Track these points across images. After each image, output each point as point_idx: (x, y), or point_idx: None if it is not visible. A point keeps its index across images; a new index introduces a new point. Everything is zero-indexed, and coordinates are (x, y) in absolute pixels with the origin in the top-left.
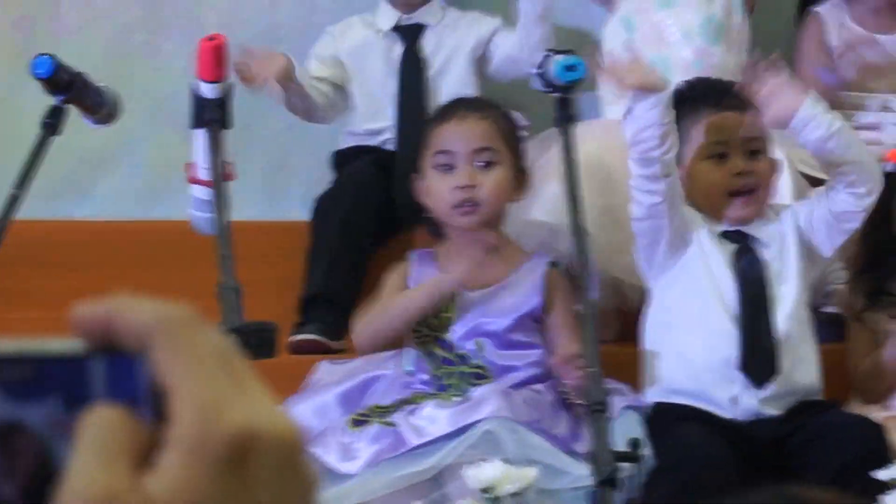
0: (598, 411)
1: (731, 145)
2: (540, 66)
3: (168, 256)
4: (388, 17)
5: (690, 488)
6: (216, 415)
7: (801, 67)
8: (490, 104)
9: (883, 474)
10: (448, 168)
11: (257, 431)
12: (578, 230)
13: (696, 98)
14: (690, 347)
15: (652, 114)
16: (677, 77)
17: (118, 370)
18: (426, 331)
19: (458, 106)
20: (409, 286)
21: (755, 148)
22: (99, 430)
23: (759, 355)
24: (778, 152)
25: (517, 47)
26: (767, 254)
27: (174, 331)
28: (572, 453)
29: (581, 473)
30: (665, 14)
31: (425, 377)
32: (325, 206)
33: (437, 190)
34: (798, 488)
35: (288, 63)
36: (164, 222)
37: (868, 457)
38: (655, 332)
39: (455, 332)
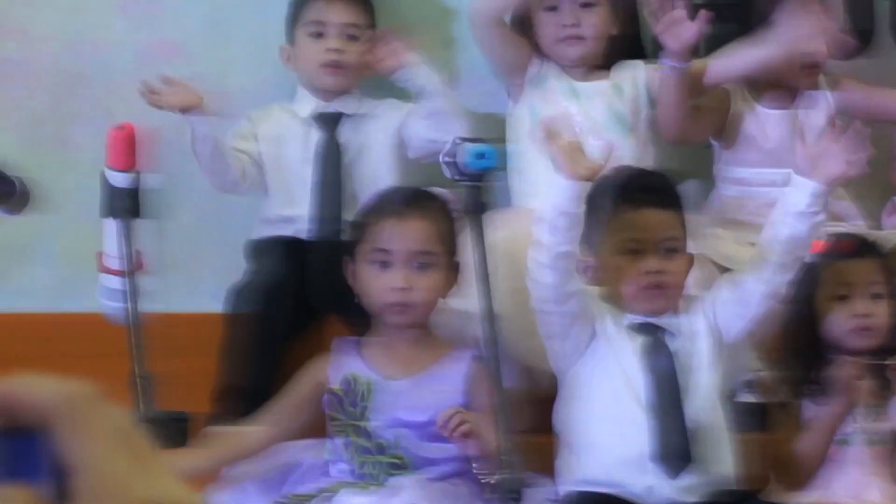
0: (512, 500)
1: (646, 243)
2: (450, 154)
3: (82, 348)
4: (307, 103)
5: None
6: (119, 493)
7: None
8: (429, 200)
9: None
10: (384, 265)
11: None
12: (490, 317)
13: (616, 190)
14: (604, 438)
15: (574, 202)
16: None
17: (21, 448)
18: (345, 419)
19: (398, 202)
20: (329, 375)
21: (671, 246)
22: None
23: (672, 446)
24: (693, 245)
25: (430, 127)
26: (677, 344)
27: (76, 408)
28: None
29: None
30: (571, 105)
31: (344, 466)
32: (238, 299)
33: (372, 285)
34: None
35: (203, 100)
36: (77, 314)
37: None
38: (568, 422)
39: (373, 421)
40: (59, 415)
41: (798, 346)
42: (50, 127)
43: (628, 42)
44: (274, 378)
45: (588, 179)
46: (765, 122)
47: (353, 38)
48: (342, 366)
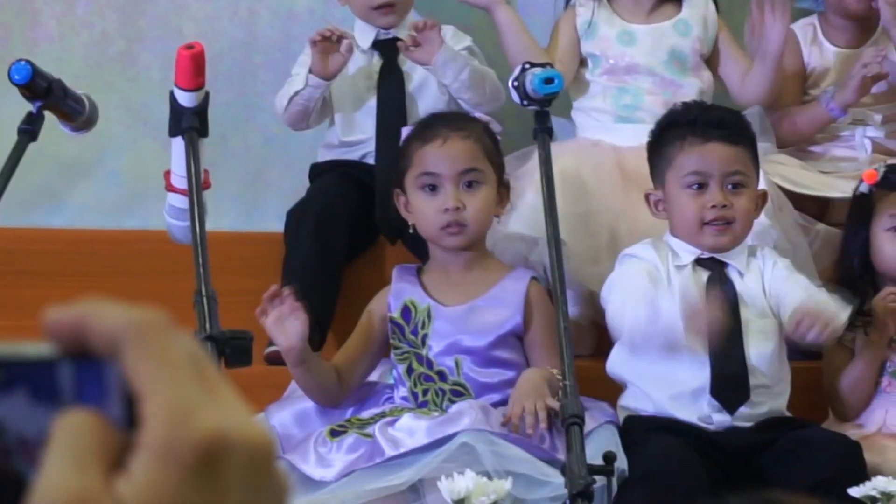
0: (573, 424)
1: (711, 177)
2: (517, 80)
3: (144, 266)
4: (366, 34)
5: (663, 496)
6: (186, 420)
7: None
8: (470, 120)
9: (856, 491)
10: (433, 189)
11: (228, 437)
12: (555, 242)
13: (684, 124)
14: (661, 373)
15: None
16: (646, 106)
17: (89, 374)
18: (406, 347)
19: (440, 125)
20: (389, 303)
21: (738, 181)
22: (72, 433)
23: (730, 382)
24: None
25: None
26: (740, 282)
27: (145, 335)
28: (552, 462)
29: (560, 482)
30: (626, 50)
31: (404, 393)
32: (296, 220)
33: (423, 210)
34: (778, 494)
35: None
36: (140, 232)
37: (843, 474)
38: (626, 355)
39: (433, 349)
40: (128, 341)
41: (852, 276)
42: (118, 45)
43: None
44: (334, 300)
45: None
46: (829, 57)
47: None
48: (402, 293)
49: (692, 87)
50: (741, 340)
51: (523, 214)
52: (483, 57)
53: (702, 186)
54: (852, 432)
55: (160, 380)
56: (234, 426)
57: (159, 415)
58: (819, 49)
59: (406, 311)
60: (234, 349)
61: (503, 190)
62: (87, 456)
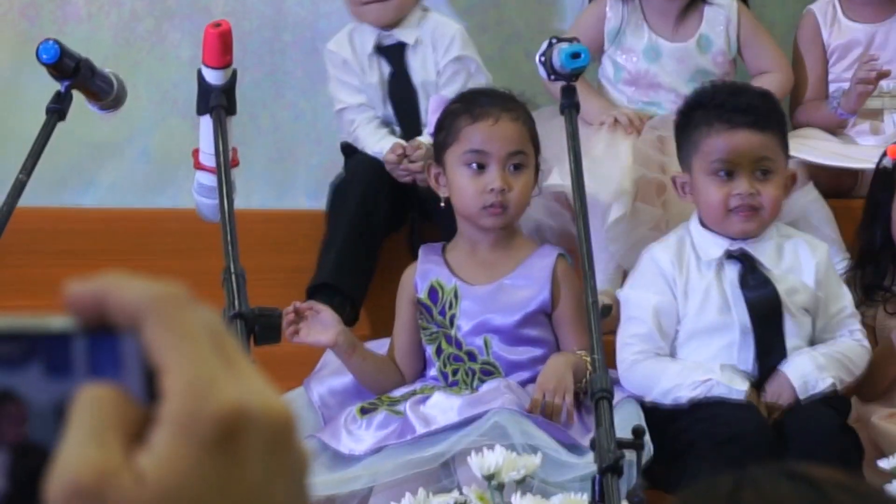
0: (602, 399)
1: (739, 165)
2: (543, 54)
3: (174, 245)
4: (368, 36)
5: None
6: (207, 393)
7: (799, 70)
8: (516, 101)
9: (886, 464)
10: (479, 167)
11: (248, 410)
12: (583, 217)
13: (711, 107)
14: (698, 357)
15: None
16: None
17: (109, 348)
18: (435, 329)
19: (490, 104)
20: (416, 284)
21: (766, 167)
22: (92, 407)
23: (771, 370)
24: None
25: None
26: (773, 273)
27: (165, 309)
28: (577, 448)
29: (584, 464)
30: (651, 66)
31: (433, 373)
32: (339, 193)
33: (465, 188)
34: (800, 465)
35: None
36: (169, 210)
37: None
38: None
39: (461, 329)
40: (148, 314)
41: (873, 249)
42: (147, 24)
43: None
44: (369, 277)
45: None
46: (849, 34)
47: None
48: (428, 274)
49: None
50: (782, 332)
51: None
52: (480, 69)
53: (729, 174)
54: (880, 413)
55: (180, 353)
56: (254, 400)
57: (179, 388)
58: (839, 27)
59: (433, 292)
60: (263, 326)
61: (538, 172)
62: (106, 429)
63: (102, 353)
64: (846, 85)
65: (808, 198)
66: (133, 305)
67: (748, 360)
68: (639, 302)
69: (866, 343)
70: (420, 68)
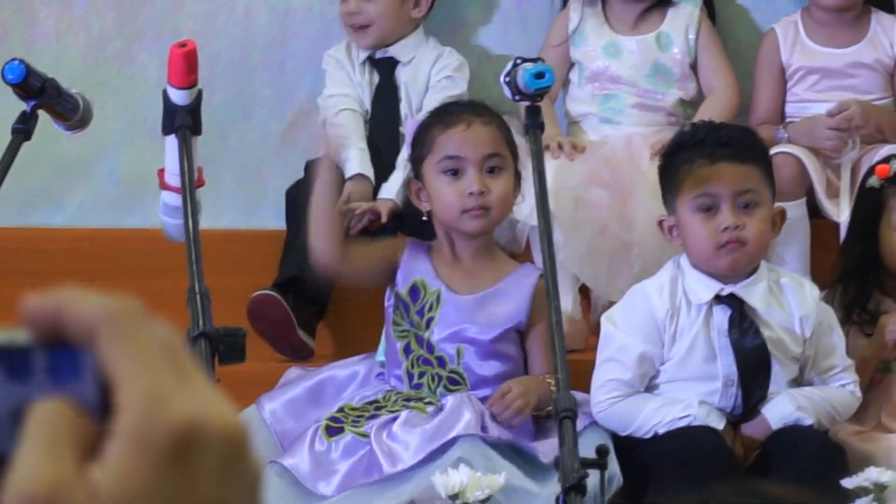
0: (566, 418)
1: (721, 198)
2: (508, 75)
3: (144, 264)
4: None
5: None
6: (160, 406)
7: (756, 89)
8: (489, 109)
9: (849, 482)
10: (455, 173)
11: (202, 424)
12: (547, 236)
13: (692, 146)
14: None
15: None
16: (628, 111)
17: (64, 362)
18: (408, 327)
19: (462, 111)
20: (398, 278)
21: (749, 201)
22: (46, 421)
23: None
24: None
25: None
26: (763, 319)
27: (120, 323)
28: (541, 469)
29: (548, 494)
30: (611, 63)
31: (398, 372)
32: (295, 196)
33: (444, 195)
34: (762, 484)
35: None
36: (139, 230)
37: (820, 472)
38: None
39: (435, 334)
40: (103, 329)
41: (855, 270)
42: (115, 44)
43: None
44: (332, 283)
45: None
46: (812, 58)
47: None
48: (412, 272)
49: (674, 97)
50: (767, 378)
51: (529, 205)
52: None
53: (712, 209)
54: (849, 429)
55: (134, 367)
56: (208, 414)
57: (133, 402)
58: (801, 48)
59: (414, 291)
60: (227, 346)
61: (517, 179)
62: (60, 444)
63: (61, 366)
64: (808, 106)
65: (794, 214)
66: (88, 320)
67: (728, 406)
68: (625, 346)
69: (858, 393)
70: (410, 80)
